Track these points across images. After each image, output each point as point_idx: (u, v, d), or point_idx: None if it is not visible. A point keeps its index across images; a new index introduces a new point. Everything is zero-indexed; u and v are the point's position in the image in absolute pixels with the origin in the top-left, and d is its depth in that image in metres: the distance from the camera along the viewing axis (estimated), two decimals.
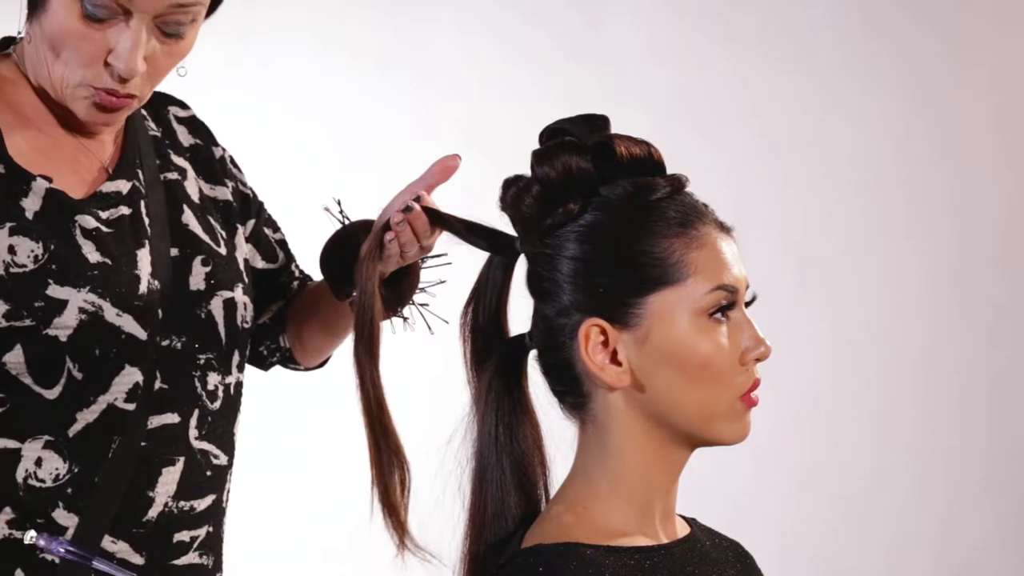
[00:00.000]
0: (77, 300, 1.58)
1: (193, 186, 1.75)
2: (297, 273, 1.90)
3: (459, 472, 1.38)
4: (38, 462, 1.59)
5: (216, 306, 1.69)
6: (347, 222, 1.74)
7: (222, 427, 1.71)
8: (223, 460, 1.71)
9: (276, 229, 1.89)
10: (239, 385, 1.75)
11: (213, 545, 1.72)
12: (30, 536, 1.56)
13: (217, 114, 3.12)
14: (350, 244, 1.67)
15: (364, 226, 1.70)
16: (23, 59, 1.65)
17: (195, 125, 1.82)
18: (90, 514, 1.60)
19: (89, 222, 1.62)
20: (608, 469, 1.35)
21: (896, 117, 3.91)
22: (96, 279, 1.60)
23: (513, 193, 1.37)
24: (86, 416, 1.60)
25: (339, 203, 1.74)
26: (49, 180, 1.62)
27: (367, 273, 1.42)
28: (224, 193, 1.79)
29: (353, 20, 3.35)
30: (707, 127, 3.68)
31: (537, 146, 1.38)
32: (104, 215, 1.64)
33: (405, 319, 1.72)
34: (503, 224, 1.40)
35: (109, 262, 1.62)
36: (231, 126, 3.26)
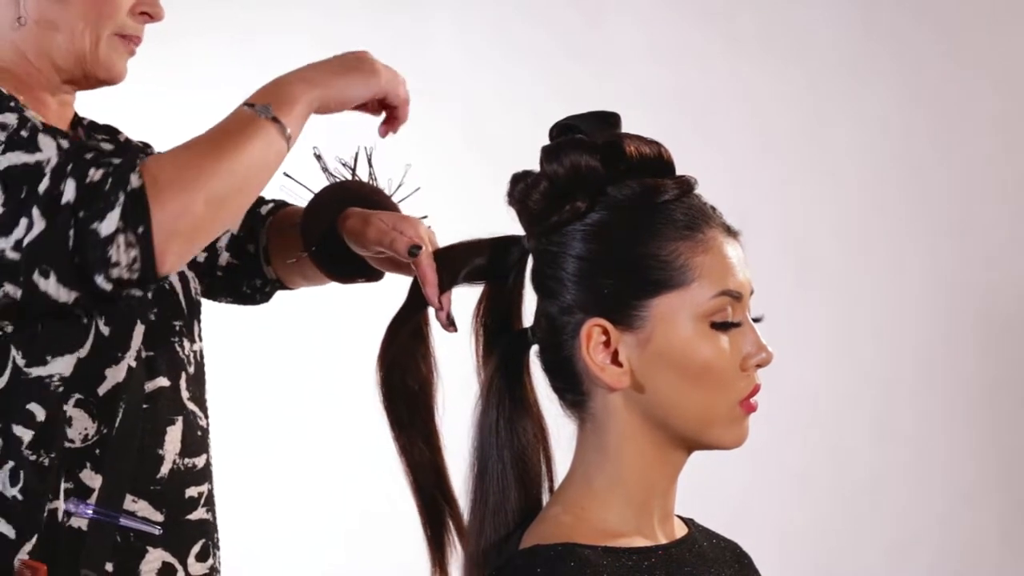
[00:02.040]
0: None
1: None
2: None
3: (462, 468, 1.39)
4: (68, 422, 1.63)
5: (174, 278, 1.76)
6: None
7: (198, 391, 1.77)
8: (204, 423, 1.77)
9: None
10: (202, 353, 1.81)
11: (213, 504, 1.78)
12: (59, 500, 1.61)
13: (217, 114, 3.13)
14: (320, 227, 1.71)
15: (325, 197, 1.73)
16: None
17: (95, 127, 1.87)
18: (111, 473, 1.64)
19: (103, 147, 1.70)
20: (606, 469, 1.35)
21: (896, 117, 3.91)
22: None
23: (521, 188, 1.37)
24: (115, 375, 1.65)
25: (347, 165, 1.77)
26: (67, 137, 1.68)
27: (395, 346, 1.42)
28: None
29: (353, 20, 3.35)
30: (707, 127, 3.68)
31: (541, 144, 1.38)
32: (109, 147, 1.72)
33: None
34: (506, 222, 1.40)
35: None
36: None
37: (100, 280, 1.52)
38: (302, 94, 1.65)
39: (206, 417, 1.78)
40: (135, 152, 1.58)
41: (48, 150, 1.54)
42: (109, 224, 1.50)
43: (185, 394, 1.73)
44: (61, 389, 1.62)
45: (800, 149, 3.83)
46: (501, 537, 1.36)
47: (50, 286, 1.53)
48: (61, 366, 1.62)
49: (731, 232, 1.36)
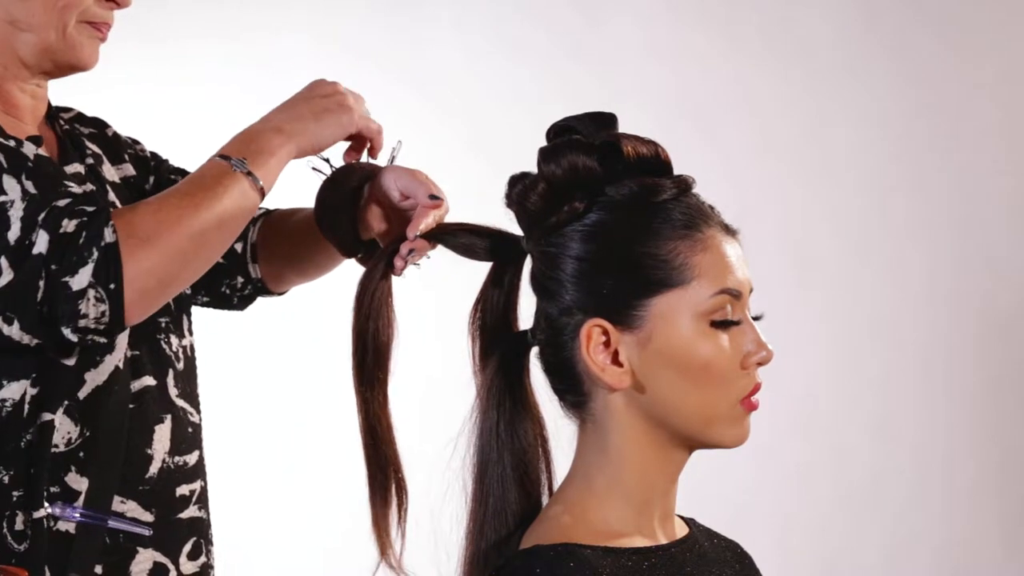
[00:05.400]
0: None
1: (109, 170, 1.80)
2: (170, 176, 1.92)
3: (463, 469, 1.39)
4: (48, 430, 1.62)
5: None
6: (333, 169, 1.77)
7: (189, 387, 1.77)
8: (196, 419, 1.77)
9: (186, 174, 1.89)
10: (193, 348, 1.81)
11: (206, 500, 1.78)
12: (44, 507, 1.60)
13: (217, 114, 3.13)
14: (341, 195, 1.71)
15: (348, 171, 1.74)
16: None
17: (83, 119, 1.86)
18: (98, 476, 1.63)
19: (74, 190, 1.67)
20: (607, 469, 1.35)
21: (895, 117, 3.91)
22: None
23: (519, 190, 1.37)
24: (95, 378, 1.64)
25: (327, 161, 1.76)
26: (37, 142, 1.67)
27: (375, 296, 1.42)
28: (128, 169, 1.84)
29: (353, 20, 3.35)
30: (707, 127, 3.68)
31: (540, 144, 1.38)
32: (80, 189, 1.69)
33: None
34: (505, 223, 1.40)
35: None
36: (231, 126, 3.27)
37: (67, 331, 1.54)
38: (278, 147, 1.66)
39: (198, 413, 1.78)
40: (106, 203, 1.59)
41: (12, 192, 1.54)
42: (81, 279, 1.51)
43: (173, 391, 1.72)
44: (10, 412, 1.61)
45: (800, 149, 3.83)
46: (501, 538, 1.36)
47: (13, 332, 1.55)
48: (13, 391, 1.62)
49: (729, 231, 1.36)
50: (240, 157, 1.63)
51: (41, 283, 1.51)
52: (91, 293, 1.51)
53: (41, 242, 1.51)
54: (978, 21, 3.99)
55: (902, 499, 3.90)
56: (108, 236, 1.52)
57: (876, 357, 3.89)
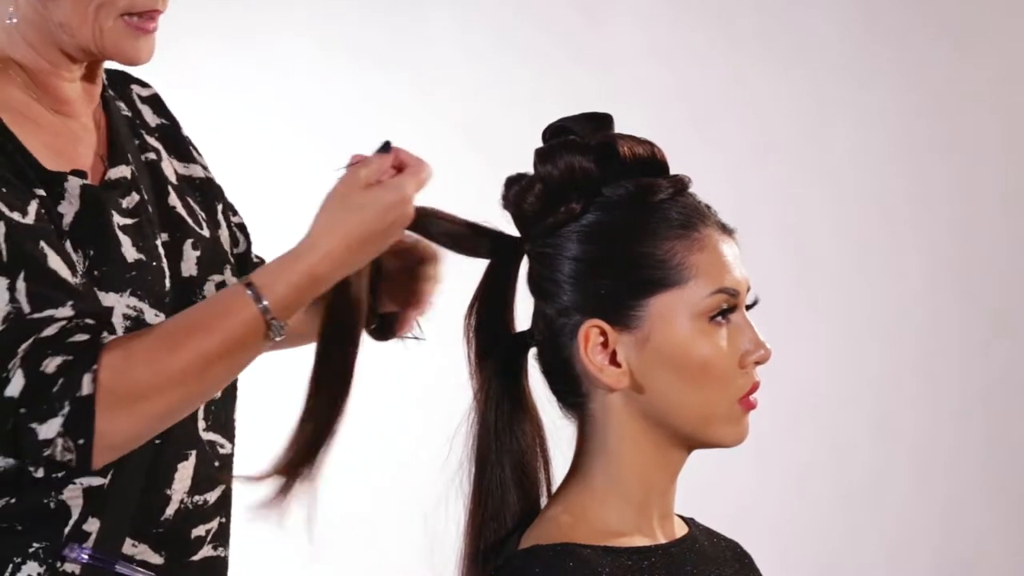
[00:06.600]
0: (120, 306, 1.56)
1: (168, 167, 1.72)
2: (255, 259, 1.85)
3: (460, 471, 1.39)
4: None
5: (210, 291, 1.66)
6: None
7: (224, 414, 1.69)
8: (228, 448, 1.69)
9: (235, 212, 1.83)
10: None
11: (225, 536, 1.70)
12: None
13: (218, 114, 3.14)
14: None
15: None
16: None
17: (158, 104, 1.78)
18: (111, 518, 1.57)
19: (120, 216, 1.60)
20: (606, 469, 1.35)
21: (896, 117, 3.91)
22: (135, 280, 1.58)
23: (515, 192, 1.37)
24: None
25: None
26: (82, 176, 1.59)
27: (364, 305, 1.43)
28: (198, 171, 1.76)
29: (353, 20, 3.35)
30: (707, 127, 3.68)
31: (539, 145, 1.38)
32: (124, 204, 1.62)
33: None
34: (504, 224, 1.40)
35: (143, 258, 1.60)
36: (232, 126, 3.28)
37: (31, 466, 1.48)
38: (310, 295, 1.49)
39: (231, 442, 1.70)
40: (102, 325, 1.47)
41: None
42: (49, 429, 1.44)
43: (201, 424, 1.64)
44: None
45: (800, 149, 3.83)
46: (500, 539, 1.36)
47: None
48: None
49: (726, 230, 1.36)
50: (283, 309, 1.47)
51: (11, 420, 1.45)
52: (59, 443, 1.44)
53: (15, 385, 1.44)
54: (978, 21, 3.99)
55: (902, 499, 3.90)
56: (86, 387, 1.43)
57: (876, 357, 3.88)
